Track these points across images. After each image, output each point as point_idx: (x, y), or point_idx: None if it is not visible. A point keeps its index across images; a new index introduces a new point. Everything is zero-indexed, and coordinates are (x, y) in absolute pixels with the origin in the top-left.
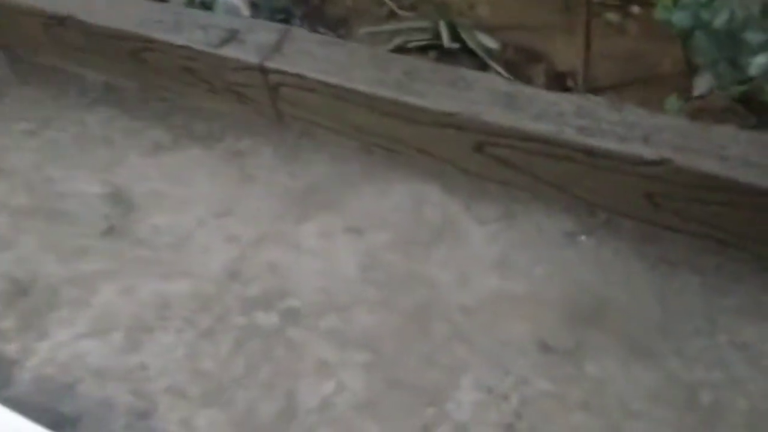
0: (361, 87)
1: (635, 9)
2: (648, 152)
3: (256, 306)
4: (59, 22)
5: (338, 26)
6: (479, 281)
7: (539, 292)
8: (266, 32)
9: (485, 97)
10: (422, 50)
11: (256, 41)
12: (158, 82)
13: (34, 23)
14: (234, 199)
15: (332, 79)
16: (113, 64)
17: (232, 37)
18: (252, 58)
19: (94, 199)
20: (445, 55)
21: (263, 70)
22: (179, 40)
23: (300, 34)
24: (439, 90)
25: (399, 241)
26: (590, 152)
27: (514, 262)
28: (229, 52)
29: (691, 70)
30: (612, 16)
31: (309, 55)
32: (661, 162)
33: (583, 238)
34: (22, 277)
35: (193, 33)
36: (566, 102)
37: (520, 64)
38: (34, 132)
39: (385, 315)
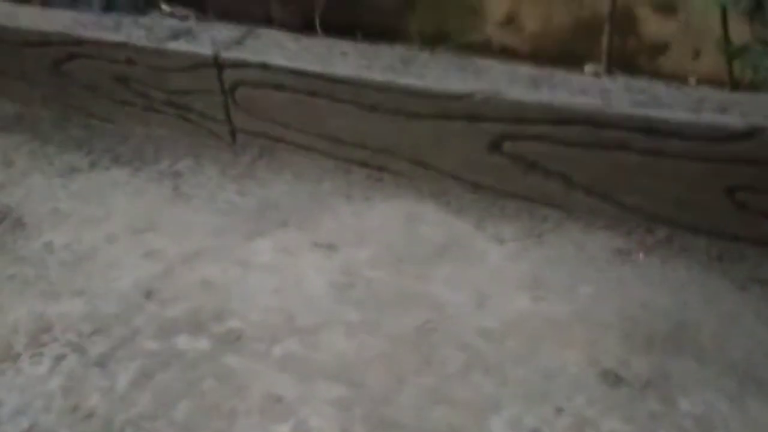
0: (345, 72)
1: None
2: (734, 122)
3: (177, 329)
4: None
5: None
6: (503, 302)
7: (589, 314)
8: (226, 30)
9: (505, 79)
10: None
11: (212, 37)
12: (81, 104)
13: None
14: (161, 216)
15: (308, 67)
16: (29, 88)
17: (183, 34)
18: (205, 51)
19: None
20: None
21: (218, 65)
22: (116, 37)
23: (267, 31)
24: (444, 73)
25: (386, 258)
26: (652, 130)
27: (550, 282)
28: (178, 46)
29: None
30: None
31: (278, 47)
32: (751, 133)
33: (640, 256)
34: None
35: (134, 31)
36: (609, 82)
37: None
38: None
39: (367, 339)
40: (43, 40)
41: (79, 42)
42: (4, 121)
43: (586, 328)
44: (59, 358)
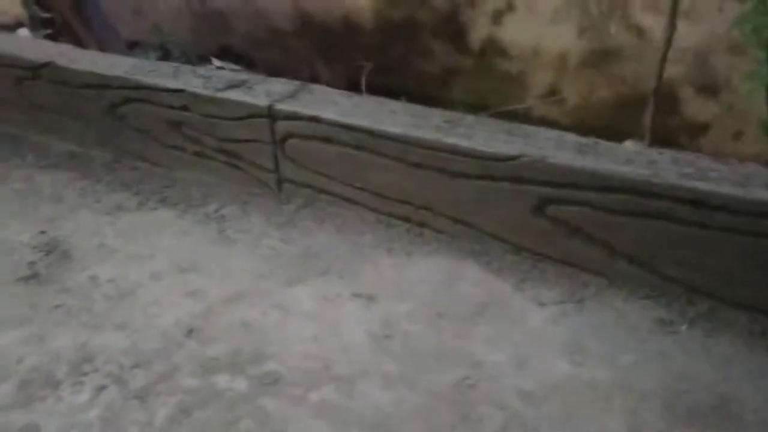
0: (393, 129)
1: None
2: None
3: (216, 368)
4: (35, 73)
5: None
6: (543, 365)
7: (629, 382)
8: (281, 84)
9: (551, 145)
10: None
11: (267, 89)
12: (132, 148)
13: (6, 77)
14: (205, 257)
15: (358, 122)
16: (84, 128)
17: (239, 84)
18: (260, 102)
19: (20, 246)
20: None
21: (272, 116)
22: (174, 84)
23: (320, 87)
24: (491, 135)
25: (425, 313)
26: (698, 202)
27: (589, 348)
28: (234, 95)
29: None
30: None
31: (330, 102)
32: None
33: (683, 328)
34: None
35: (191, 79)
36: (655, 153)
37: None
38: None
39: (404, 392)
40: (102, 83)
41: (138, 87)
42: (57, 158)
43: (626, 397)
44: (100, 389)
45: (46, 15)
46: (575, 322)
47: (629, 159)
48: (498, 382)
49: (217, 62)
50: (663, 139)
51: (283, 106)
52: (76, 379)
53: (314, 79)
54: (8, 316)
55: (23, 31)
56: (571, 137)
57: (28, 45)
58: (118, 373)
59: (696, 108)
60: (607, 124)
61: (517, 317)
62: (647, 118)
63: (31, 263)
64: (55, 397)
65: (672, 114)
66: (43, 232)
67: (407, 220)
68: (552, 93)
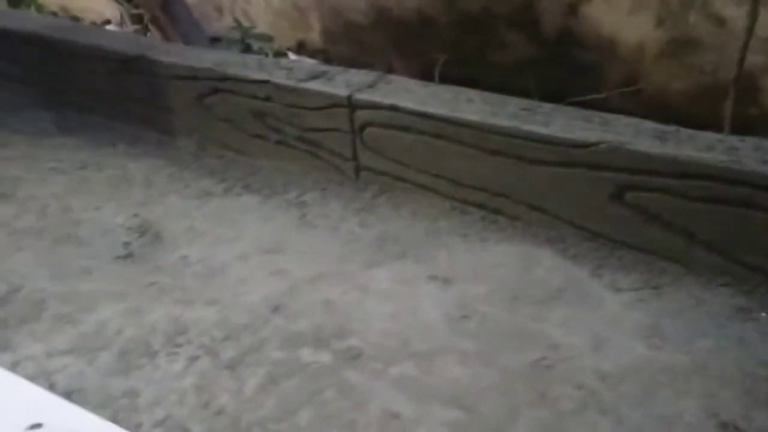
0: (471, 117)
1: None
2: None
3: (301, 342)
4: (127, 65)
5: None
6: (619, 348)
7: (707, 366)
8: (360, 75)
9: (630, 132)
10: None
11: (347, 80)
12: (218, 137)
13: (99, 69)
14: (288, 240)
15: (435, 111)
16: (173, 117)
17: (319, 76)
18: (340, 92)
19: (116, 228)
20: None
21: (351, 105)
22: (259, 75)
23: (398, 78)
24: (568, 122)
25: (501, 296)
26: None
27: (667, 332)
28: (315, 86)
29: None
30: None
31: (408, 92)
32: None
33: (763, 315)
34: (1, 288)
35: (275, 71)
36: (736, 140)
37: None
38: (65, 171)
39: (482, 369)
40: (191, 75)
41: (225, 78)
42: (148, 146)
43: (704, 380)
44: (193, 359)
45: (135, 11)
46: (652, 308)
47: (710, 146)
48: (575, 363)
49: (294, 57)
50: (744, 129)
51: (363, 96)
52: (171, 349)
53: (389, 72)
54: (107, 292)
55: (111, 28)
56: (650, 124)
57: (119, 39)
58: (209, 345)
59: None
60: (686, 115)
61: (593, 302)
62: (727, 108)
63: (126, 243)
64: (152, 365)
65: (753, 104)
66: (136, 215)
67: (482, 207)
68: (629, 83)
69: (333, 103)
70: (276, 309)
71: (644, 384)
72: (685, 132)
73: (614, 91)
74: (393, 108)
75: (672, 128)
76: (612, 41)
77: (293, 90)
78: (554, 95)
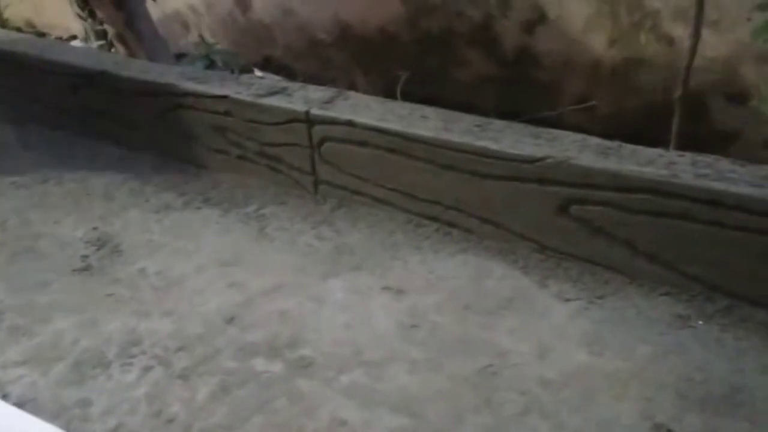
0: (425, 133)
1: None
2: None
3: (255, 352)
4: (90, 80)
5: None
6: (564, 355)
7: (645, 372)
8: (318, 91)
9: (576, 147)
10: None
11: (305, 96)
12: (180, 151)
13: (62, 84)
14: (246, 252)
15: (390, 126)
16: (135, 132)
17: (278, 92)
18: (299, 107)
19: (74, 241)
20: None
21: (309, 121)
22: (219, 91)
23: (356, 94)
24: (518, 138)
25: (452, 306)
26: (715, 202)
27: (609, 340)
28: (274, 101)
29: None
30: None
31: (365, 108)
32: None
33: (700, 323)
34: None
35: (234, 87)
36: (675, 155)
37: None
38: (26, 185)
39: (430, 377)
40: (152, 91)
41: (185, 94)
42: (109, 161)
43: (641, 385)
44: (146, 369)
45: (100, 27)
46: (596, 317)
47: (650, 160)
48: (520, 370)
49: (259, 73)
50: (692, 147)
51: (320, 112)
52: (125, 360)
53: (352, 88)
54: (64, 304)
55: (76, 43)
56: (595, 140)
57: (83, 54)
58: (163, 355)
59: (724, 116)
60: (638, 132)
61: (540, 311)
62: (673, 124)
63: (84, 257)
64: (106, 375)
65: (700, 122)
66: (95, 228)
67: (437, 219)
68: (583, 101)
69: (291, 119)
70: (231, 320)
71: (585, 389)
72: (628, 147)
73: (568, 108)
74: (350, 123)
75: (615, 144)
76: (567, 60)
77: (252, 105)
78: (511, 112)
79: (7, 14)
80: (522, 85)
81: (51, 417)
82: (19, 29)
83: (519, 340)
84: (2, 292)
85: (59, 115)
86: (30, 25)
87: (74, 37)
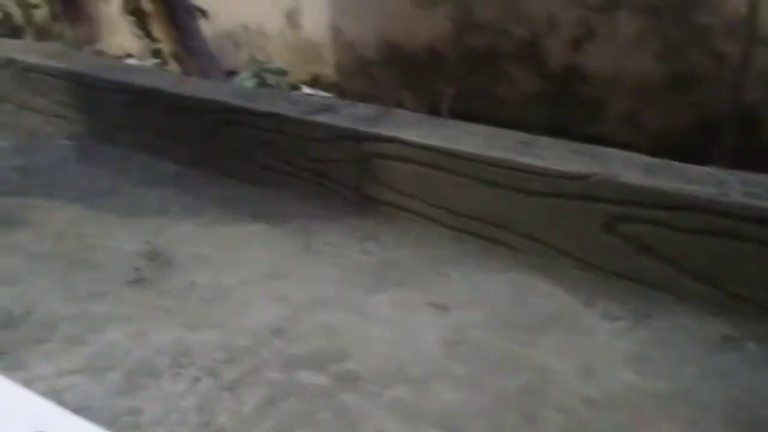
0: (469, 149)
1: None
2: None
3: (300, 365)
4: (145, 97)
5: None
6: (608, 374)
7: (692, 393)
8: (365, 108)
9: (622, 164)
10: None
11: (352, 113)
12: (230, 167)
13: (118, 101)
14: (291, 266)
15: (435, 143)
16: (188, 148)
17: (326, 109)
18: (345, 124)
19: (128, 254)
20: None
21: (356, 137)
22: (268, 108)
23: (402, 111)
24: (563, 155)
25: (495, 323)
26: (765, 221)
27: (655, 360)
28: (321, 119)
29: None
30: None
31: (411, 125)
32: None
33: (750, 344)
34: (15, 310)
35: (284, 104)
36: (725, 173)
37: None
38: (82, 198)
39: (473, 394)
40: (205, 107)
41: (237, 111)
42: (164, 176)
43: (688, 407)
44: (196, 380)
45: (155, 46)
46: (641, 336)
47: (698, 179)
48: (563, 388)
49: (307, 90)
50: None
51: (367, 129)
52: (175, 370)
53: (399, 105)
54: (117, 314)
55: (132, 61)
56: (642, 157)
57: (139, 72)
58: (212, 366)
59: None
60: (686, 149)
61: (584, 330)
62: (723, 141)
63: (137, 269)
64: (156, 385)
65: (752, 139)
66: (148, 242)
67: (481, 236)
68: (630, 117)
69: (339, 135)
70: (277, 332)
71: (629, 410)
72: (676, 165)
73: (615, 125)
74: (395, 140)
75: (663, 161)
76: (614, 76)
77: (301, 122)
78: (557, 129)
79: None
80: (568, 102)
81: (104, 425)
82: (79, 48)
83: (562, 358)
84: (58, 302)
85: (115, 131)
86: (89, 43)
87: (130, 56)
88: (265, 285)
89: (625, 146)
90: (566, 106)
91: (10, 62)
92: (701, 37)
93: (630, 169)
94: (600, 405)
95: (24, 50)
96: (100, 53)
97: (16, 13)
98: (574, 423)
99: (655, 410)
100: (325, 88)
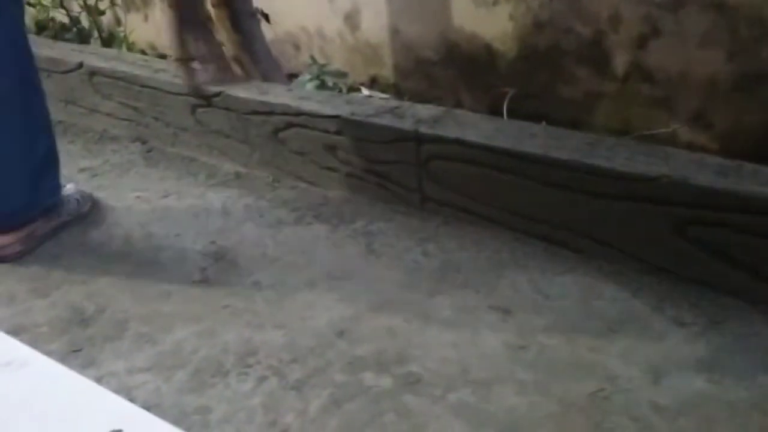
0: (534, 151)
1: None
2: None
3: (364, 366)
4: (208, 101)
5: None
6: (679, 381)
7: (767, 403)
8: (426, 109)
9: (692, 166)
10: None
11: (414, 114)
12: (292, 169)
13: (182, 104)
14: (354, 268)
15: (498, 144)
16: (250, 150)
17: (388, 111)
18: (407, 126)
19: (193, 254)
20: None
21: (418, 139)
22: (330, 111)
23: (464, 113)
24: (631, 156)
25: (560, 327)
26: None
27: (728, 368)
28: (383, 120)
29: None
30: None
31: (473, 126)
32: None
33: None
34: (87, 308)
35: (345, 106)
36: None
37: None
38: (149, 199)
39: (538, 399)
40: (267, 110)
41: (299, 113)
42: (226, 177)
43: (763, 416)
44: (261, 379)
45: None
46: (714, 343)
47: None
48: (632, 395)
49: (366, 91)
50: None
51: (428, 130)
52: (241, 369)
53: (458, 105)
54: (184, 314)
55: (195, 65)
56: (713, 159)
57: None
58: (277, 366)
59: None
60: (758, 149)
61: (653, 335)
62: None
63: (203, 269)
64: (224, 384)
65: None
66: (213, 242)
67: (544, 238)
68: (699, 118)
69: (400, 137)
70: (341, 333)
71: (702, 418)
72: (749, 167)
73: (682, 126)
74: (458, 142)
75: (734, 163)
76: (681, 75)
77: (362, 124)
78: (622, 129)
79: (132, 38)
80: (633, 102)
81: (173, 422)
82: (143, 52)
83: (631, 364)
84: (128, 302)
85: (181, 134)
86: (152, 47)
87: (193, 59)
88: (327, 286)
89: (693, 147)
90: (631, 106)
91: (79, 66)
92: None
93: (700, 170)
94: (670, 413)
95: (92, 54)
96: (163, 57)
97: (83, 19)
98: (645, 430)
99: (727, 419)
100: (384, 89)
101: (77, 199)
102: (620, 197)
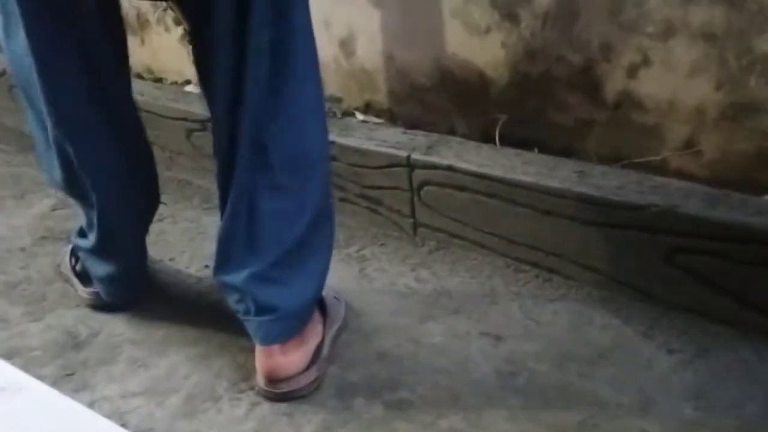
0: (525, 178)
1: None
2: None
3: (355, 392)
4: (203, 126)
5: None
6: (668, 409)
7: (755, 431)
8: (421, 136)
9: (681, 195)
10: None
11: (407, 142)
12: None
13: (177, 129)
14: (346, 293)
15: (490, 171)
16: None
17: (381, 136)
18: (400, 153)
19: (187, 278)
20: None
21: (410, 165)
22: None
23: (457, 139)
24: (621, 185)
25: (550, 354)
26: None
27: (716, 396)
28: (376, 147)
29: None
30: None
31: (465, 154)
32: None
33: None
34: (82, 332)
35: (339, 132)
36: None
37: None
38: None
39: (528, 426)
40: None
41: None
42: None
43: None
44: (254, 404)
45: None
46: (702, 370)
47: (760, 210)
48: (621, 422)
49: (360, 116)
50: None
51: (421, 156)
52: (233, 395)
53: (451, 131)
54: (178, 338)
55: (191, 87)
56: (702, 188)
57: (197, 100)
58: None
59: None
60: (746, 178)
61: (642, 362)
62: None
63: (197, 293)
64: (216, 409)
65: None
66: (206, 266)
67: (536, 265)
68: (688, 146)
69: (393, 163)
70: (331, 360)
71: None
72: (737, 196)
73: (672, 153)
74: (450, 168)
75: (723, 192)
76: (671, 104)
77: (356, 150)
78: (612, 157)
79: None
80: (623, 129)
81: None
82: (140, 76)
83: (620, 391)
84: (123, 325)
85: (175, 157)
86: (149, 71)
87: (188, 82)
88: None
89: (683, 174)
90: (622, 133)
91: None
92: (762, 64)
93: (690, 199)
94: None
95: None
96: (159, 80)
97: None
98: None
99: None
100: (378, 114)
101: None
102: (610, 225)
